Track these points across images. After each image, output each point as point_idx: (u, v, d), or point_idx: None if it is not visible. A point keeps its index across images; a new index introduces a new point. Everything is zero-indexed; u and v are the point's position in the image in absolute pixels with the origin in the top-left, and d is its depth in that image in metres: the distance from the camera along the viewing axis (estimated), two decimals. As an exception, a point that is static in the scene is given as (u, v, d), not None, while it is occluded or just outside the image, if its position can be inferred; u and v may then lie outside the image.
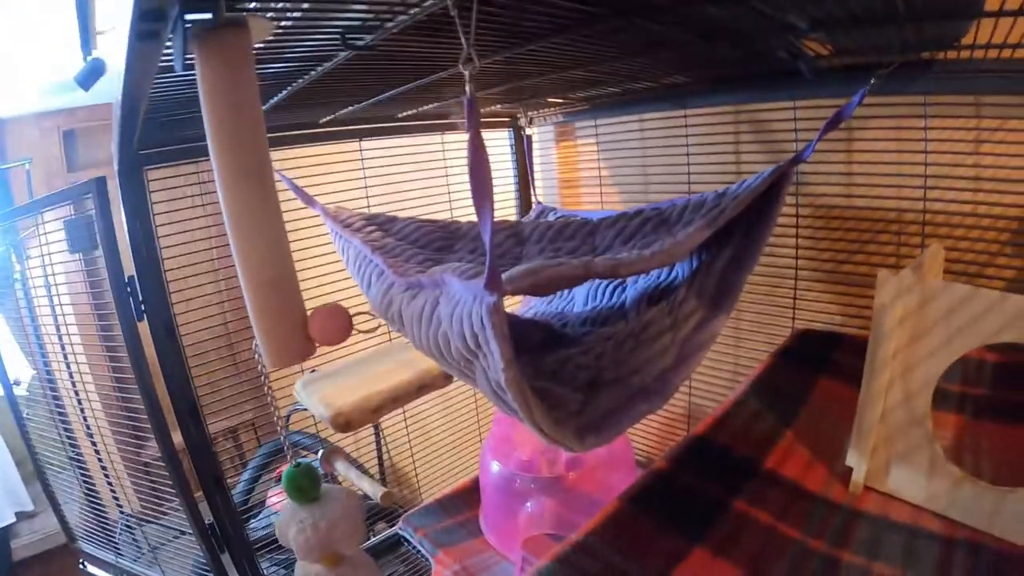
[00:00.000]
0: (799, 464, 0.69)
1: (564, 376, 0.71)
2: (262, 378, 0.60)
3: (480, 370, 0.59)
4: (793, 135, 0.98)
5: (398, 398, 1.01)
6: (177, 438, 1.03)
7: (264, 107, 0.85)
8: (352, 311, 0.60)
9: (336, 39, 0.56)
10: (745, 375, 1.18)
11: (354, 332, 0.57)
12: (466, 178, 1.36)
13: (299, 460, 0.77)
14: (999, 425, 0.70)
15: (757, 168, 1.06)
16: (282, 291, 0.51)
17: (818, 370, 0.86)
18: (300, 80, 0.72)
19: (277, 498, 1.48)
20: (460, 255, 0.84)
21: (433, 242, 0.87)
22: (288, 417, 1.60)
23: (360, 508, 0.83)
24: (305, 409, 1.46)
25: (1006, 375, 0.76)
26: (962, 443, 0.68)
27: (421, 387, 1.04)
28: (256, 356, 0.52)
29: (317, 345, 0.55)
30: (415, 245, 0.85)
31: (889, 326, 0.60)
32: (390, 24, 0.54)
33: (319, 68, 0.67)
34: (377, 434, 1.61)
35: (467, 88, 0.46)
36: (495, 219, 1.05)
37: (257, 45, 0.55)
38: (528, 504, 1.02)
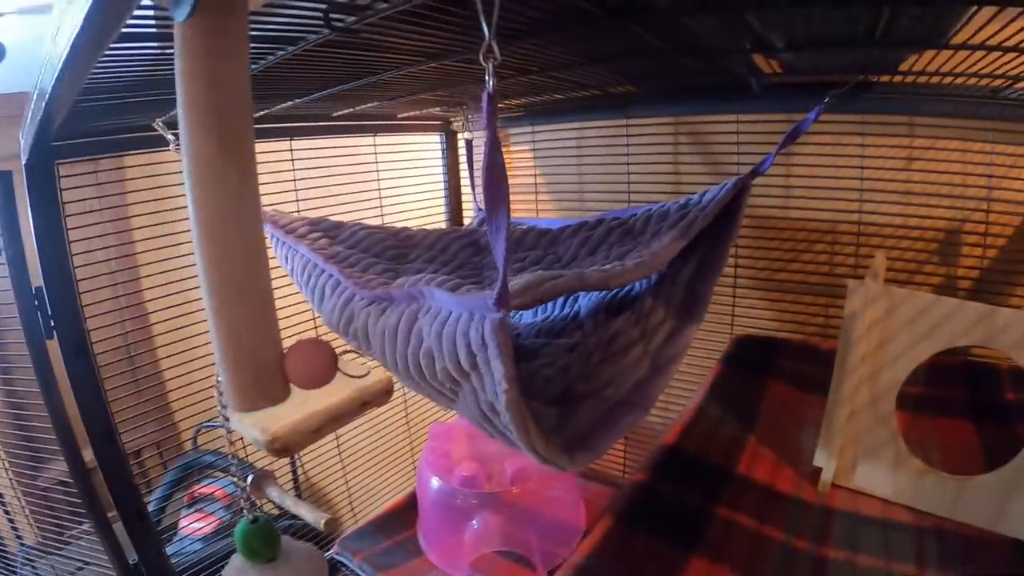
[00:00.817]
0: (767, 467, 0.70)
1: (534, 390, 0.69)
2: (221, 418, 0.49)
3: (469, 391, 0.55)
4: (735, 148, 1.01)
5: (339, 417, 0.93)
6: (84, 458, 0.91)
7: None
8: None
9: (317, 17, 0.51)
10: (682, 380, 1.21)
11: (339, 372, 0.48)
12: (397, 182, 1.29)
13: (257, 515, 0.65)
14: (936, 419, 0.76)
15: (697, 179, 1.08)
16: (258, 311, 0.42)
17: (764, 375, 0.88)
18: (254, 66, 0.64)
19: (189, 522, 1.35)
20: (419, 265, 0.80)
21: (386, 250, 0.81)
22: (197, 435, 1.46)
23: (322, 573, 0.73)
24: (219, 427, 1.35)
25: (937, 374, 0.81)
26: (910, 438, 0.72)
27: (363, 404, 0.97)
28: (217, 394, 0.44)
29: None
30: (368, 253, 0.80)
31: (859, 333, 0.62)
32: (383, 5, 0.49)
33: (279, 52, 0.60)
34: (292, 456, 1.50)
35: (489, 82, 0.42)
36: (450, 228, 1.00)
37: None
38: (474, 521, 0.98)
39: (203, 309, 1.01)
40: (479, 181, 1.33)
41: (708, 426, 0.76)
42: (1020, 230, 0.85)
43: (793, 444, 0.73)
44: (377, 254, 0.79)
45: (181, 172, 0.97)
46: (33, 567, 1.26)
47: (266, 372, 0.43)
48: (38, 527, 1.31)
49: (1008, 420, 0.74)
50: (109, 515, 0.92)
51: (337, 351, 0.51)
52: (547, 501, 1.01)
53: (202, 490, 1.43)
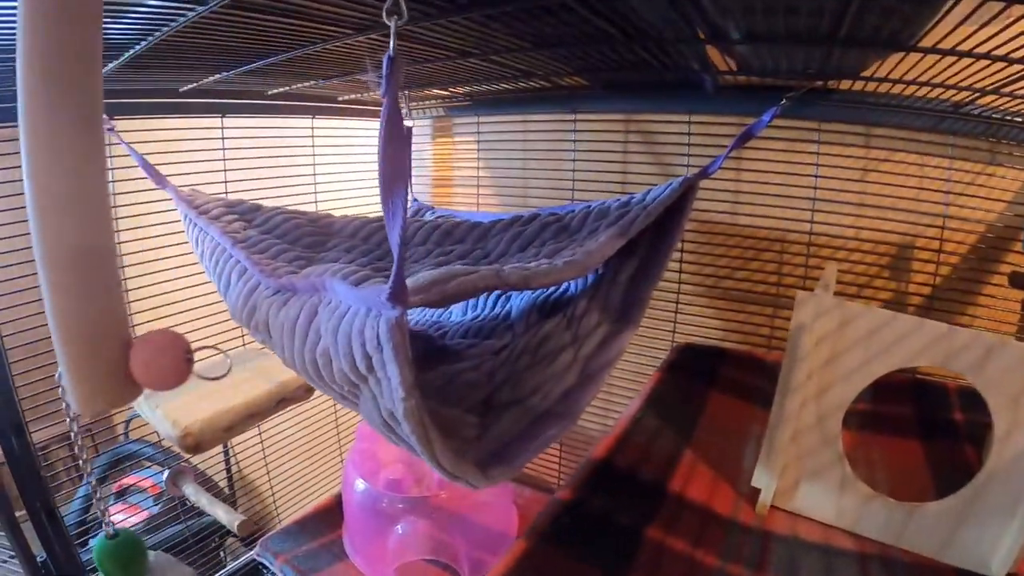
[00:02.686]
0: (704, 485, 0.62)
1: (452, 395, 0.60)
2: (68, 421, 0.38)
3: (369, 397, 0.46)
4: (685, 148, 0.93)
5: (254, 414, 0.84)
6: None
7: (120, 61, 0.66)
8: (195, 341, 0.38)
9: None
10: (620, 388, 1.13)
11: (193, 375, 0.37)
12: (334, 168, 1.15)
13: (118, 530, 0.52)
14: (883, 437, 0.69)
15: (645, 178, 1.00)
16: (99, 295, 0.33)
17: (707, 384, 0.81)
18: (165, 28, 0.54)
19: (118, 515, 1.22)
20: (335, 254, 0.70)
21: (303, 237, 0.72)
22: (128, 423, 1.34)
23: None
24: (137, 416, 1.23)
25: (883, 392, 0.74)
26: (856, 457, 0.65)
27: (280, 400, 0.88)
28: (61, 393, 0.34)
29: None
30: (283, 240, 0.70)
31: (806, 347, 0.54)
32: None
33: (190, 14, 0.50)
34: (225, 445, 1.38)
35: (391, 43, 0.34)
36: (376, 216, 0.90)
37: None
38: (399, 527, 0.88)
39: (140, 287, 0.88)
40: (416, 171, 1.24)
41: (642, 439, 0.68)
42: (975, 248, 0.79)
43: (733, 460, 0.66)
44: (292, 240, 0.69)
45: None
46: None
47: (107, 368, 0.33)
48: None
49: (957, 440, 0.67)
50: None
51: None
52: (477, 507, 0.93)
53: (131, 481, 1.30)
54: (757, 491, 0.59)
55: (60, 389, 0.34)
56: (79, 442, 0.42)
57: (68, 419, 0.38)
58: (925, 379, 0.79)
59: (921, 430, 0.70)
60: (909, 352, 0.51)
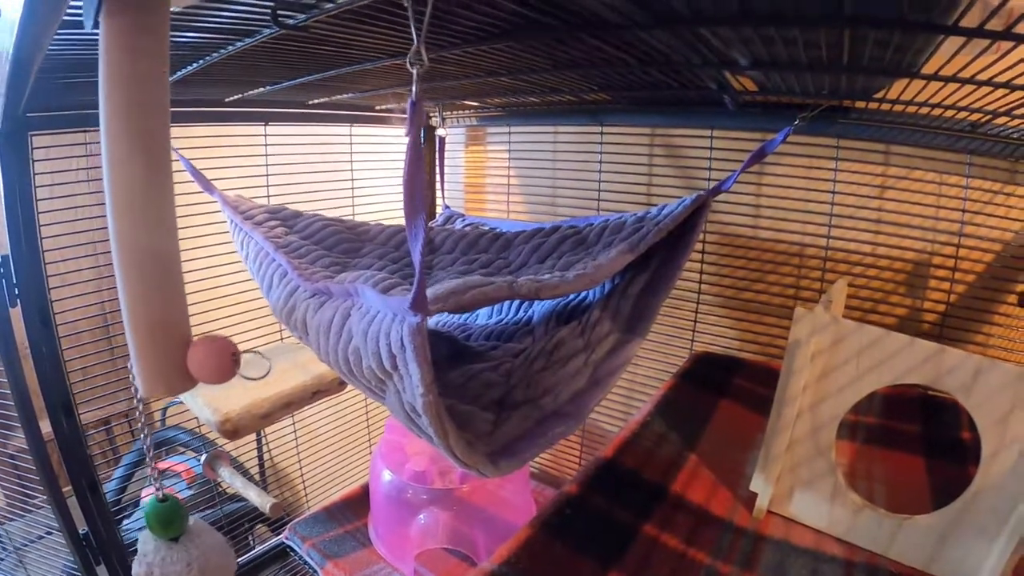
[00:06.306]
0: (704, 488, 0.67)
1: (471, 392, 0.67)
2: (135, 400, 0.48)
3: (393, 392, 0.53)
4: (707, 163, 0.98)
5: (291, 403, 0.93)
6: (46, 428, 0.90)
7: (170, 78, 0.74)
8: (236, 335, 0.48)
9: (265, 14, 0.49)
10: (641, 393, 1.19)
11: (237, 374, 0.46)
12: (371, 174, 1.27)
13: (166, 495, 0.63)
14: (887, 452, 0.73)
15: (668, 191, 1.06)
16: (164, 302, 0.41)
17: (719, 393, 0.86)
18: (215, 54, 0.63)
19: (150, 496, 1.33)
20: (368, 260, 0.78)
21: (339, 243, 0.80)
22: (165, 411, 1.45)
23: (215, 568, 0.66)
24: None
25: (893, 406, 0.79)
26: (856, 469, 0.70)
27: (316, 392, 0.97)
28: (131, 376, 0.43)
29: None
30: (320, 245, 0.78)
31: (801, 362, 0.59)
32: (328, 5, 0.47)
33: (238, 43, 0.59)
34: (259, 434, 1.48)
35: (413, 88, 0.40)
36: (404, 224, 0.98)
37: (174, 9, 0.47)
38: (421, 516, 0.96)
39: (186, 284, 0.99)
40: (449, 178, 1.32)
41: (650, 442, 0.74)
42: (990, 267, 0.83)
43: (735, 466, 0.71)
44: (329, 247, 0.77)
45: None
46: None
47: (168, 362, 0.42)
48: (5, 492, 1.30)
49: (961, 459, 0.71)
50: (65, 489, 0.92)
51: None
52: (497, 502, 1.00)
53: (166, 466, 1.41)
54: (755, 496, 0.64)
55: (129, 373, 0.42)
56: (142, 419, 0.52)
57: (135, 399, 0.48)
58: (936, 396, 0.82)
59: (926, 447, 0.73)
60: (900, 370, 0.55)
